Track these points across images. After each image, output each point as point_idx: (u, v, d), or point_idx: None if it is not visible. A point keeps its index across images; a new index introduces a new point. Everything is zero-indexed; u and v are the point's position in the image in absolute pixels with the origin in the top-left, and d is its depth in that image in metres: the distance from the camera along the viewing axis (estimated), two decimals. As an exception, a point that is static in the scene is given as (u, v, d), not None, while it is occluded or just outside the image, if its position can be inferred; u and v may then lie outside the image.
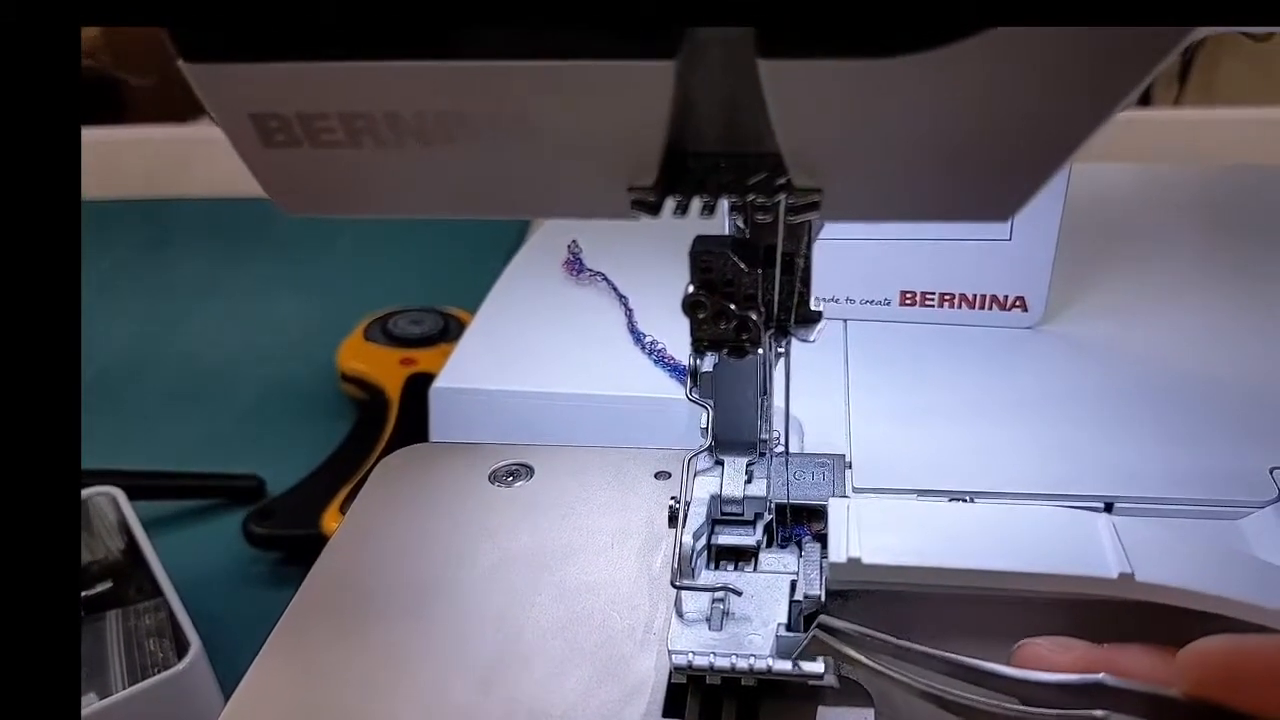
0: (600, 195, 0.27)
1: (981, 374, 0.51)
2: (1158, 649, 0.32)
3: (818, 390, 0.49)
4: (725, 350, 0.34)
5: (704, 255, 0.33)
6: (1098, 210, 0.66)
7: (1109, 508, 0.42)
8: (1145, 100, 1.10)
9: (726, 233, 0.33)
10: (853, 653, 0.32)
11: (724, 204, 0.29)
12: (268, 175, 0.27)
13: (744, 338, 0.34)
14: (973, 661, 0.31)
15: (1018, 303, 0.53)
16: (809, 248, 0.34)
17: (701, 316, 0.33)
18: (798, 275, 0.34)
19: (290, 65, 0.25)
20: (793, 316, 0.35)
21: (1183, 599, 0.34)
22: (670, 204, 0.27)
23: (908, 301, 0.54)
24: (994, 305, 0.54)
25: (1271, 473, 0.43)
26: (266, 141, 0.26)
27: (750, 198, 0.27)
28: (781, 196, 0.27)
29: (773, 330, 0.35)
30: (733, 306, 0.33)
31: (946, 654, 0.31)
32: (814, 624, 0.33)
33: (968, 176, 0.26)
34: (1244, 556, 0.38)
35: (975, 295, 0.54)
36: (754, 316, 0.33)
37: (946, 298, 0.54)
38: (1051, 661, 0.32)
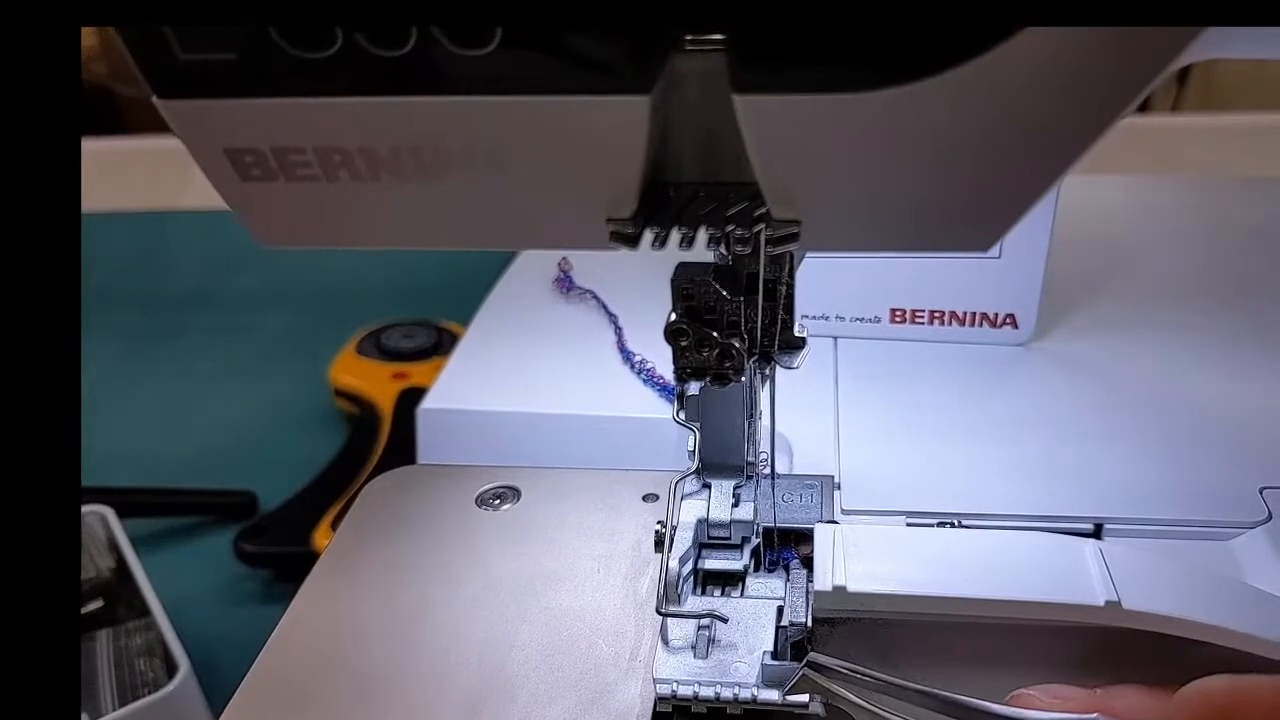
0: (579, 227, 0.27)
1: (971, 392, 0.51)
2: (1153, 689, 0.31)
3: (807, 408, 0.49)
4: (708, 378, 0.34)
5: (686, 283, 0.33)
6: (1089, 225, 0.66)
7: (1098, 529, 0.42)
8: (1143, 107, 1.10)
9: (710, 260, 0.33)
10: (842, 691, 0.32)
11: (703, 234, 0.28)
12: (244, 208, 0.27)
13: (727, 365, 0.33)
14: (967, 699, 0.31)
15: (1008, 320, 0.53)
16: (791, 275, 0.34)
17: (684, 344, 0.33)
18: (780, 302, 0.34)
19: (265, 101, 0.25)
20: (776, 343, 0.35)
21: (1170, 626, 0.34)
22: (649, 235, 0.27)
23: (898, 319, 0.54)
24: (984, 323, 0.53)
25: (1261, 493, 0.43)
26: (242, 176, 0.26)
27: (729, 228, 0.27)
28: (760, 227, 0.27)
29: (756, 357, 0.35)
30: (715, 334, 0.33)
31: (939, 691, 0.31)
32: (803, 661, 0.33)
33: (948, 208, 0.26)
34: (1232, 582, 0.38)
35: (965, 313, 0.53)
36: (736, 344, 0.33)
37: (936, 315, 0.54)
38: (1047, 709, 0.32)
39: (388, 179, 0.26)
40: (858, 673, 0.32)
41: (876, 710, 0.32)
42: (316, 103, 0.24)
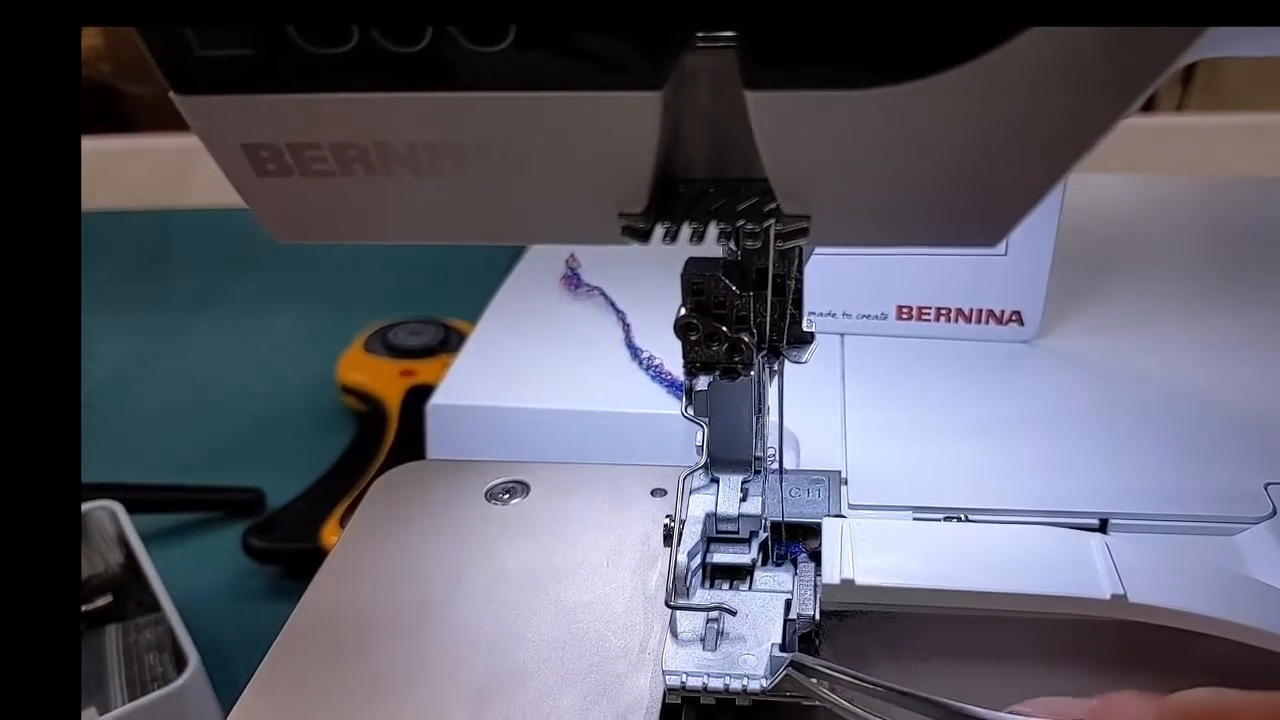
0: (590, 223, 0.27)
1: (977, 389, 0.51)
2: (1147, 695, 0.32)
3: (814, 405, 0.49)
4: (718, 372, 0.34)
5: (696, 278, 0.33)
6: (1095, 222, 0.66)
7: (1104, 524, 0.42)
8: (1148, 106, 1.10)
9: (719, 255, 0.33)
10: (825, 692, 0.32)
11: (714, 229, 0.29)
12: (260, 203, 0.28)
13: (736, 360, 0.34)
14: (948, 701, 0.31)
15: (1014, 317, 0.53)
16: (800, 270, 0.34)
17: (694, 338, 0.34)
18: (789, 297, 0.34)
19: (281, 97, 0.25)
20: (784, 338, 0.35)
21: (1175, 619, 0.34)
22: (660, 230, 0.27)
23: (904, 316, 0.54)
24: (990, 319, 0.54)
25: (1267, 488, 0.43)
26: (258, 171, 0.27)
27: (740, 223, 0.27)
28: (770, 222, 0.27)
29: (765, 352, 0.35)
30: (724, 329, 0.33)
31: (922, 693, 0.31)
32: (785, 663, 0.33)
33: (956, 203, 0.26)
34: (1237, 576, 0.38)
35: (971, 309, 0.54)
36: (746, 339, 0.33)
37: (943, 312, 0.54)
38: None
39: (402, 174, 0.26)
40: (842, 673, 0.32)
41: (859, 712, 0.32)
42: (332, 98, 0.25)
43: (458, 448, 0.52)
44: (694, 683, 0.35)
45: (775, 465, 0.41)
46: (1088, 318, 0.56)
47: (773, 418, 0.39)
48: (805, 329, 0.36)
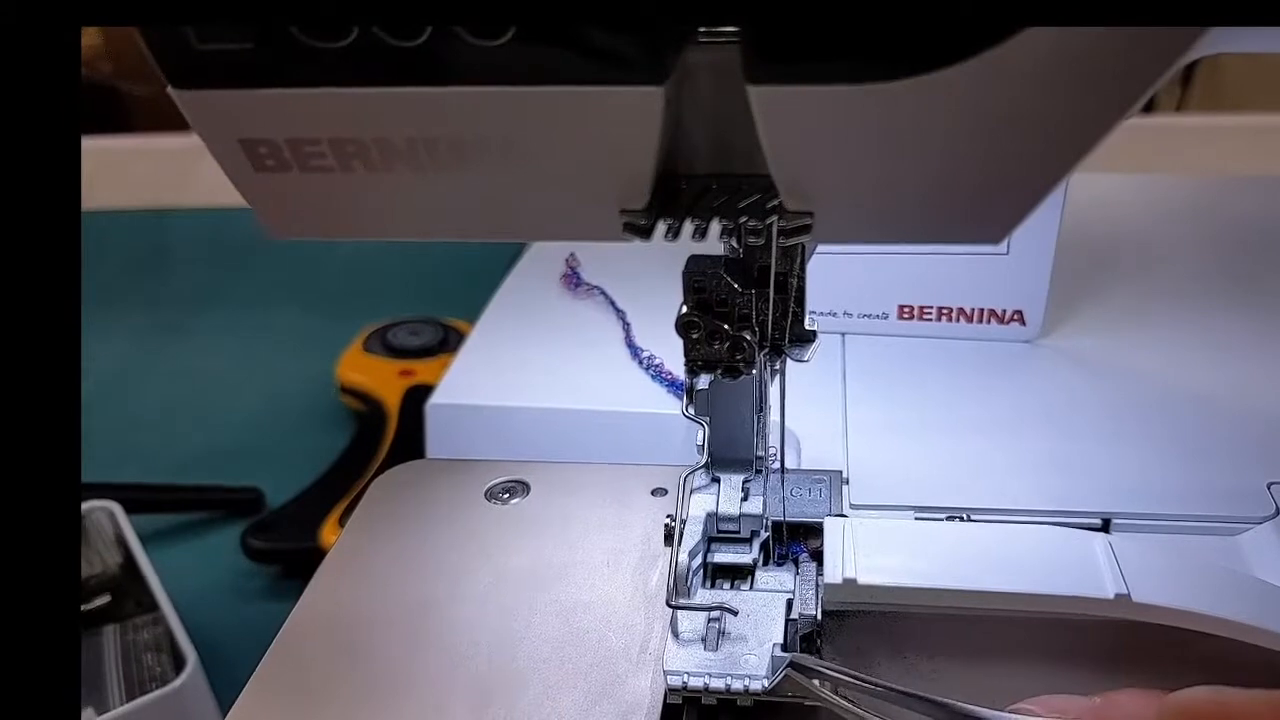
0: (592, 219, 0.27)
1: (979, 388, 0.51)
2: (1149, 693, 0.31)
3: (815, 404, 0.49)
4: (719, 371, 0.34)
5: (697, 276, 0.33)
6: (1097, 222, 0.66)
7: (1107, 524, 0.42)
8: (1149, 106, 1.10)
9: (720, 253, 0.33)
10: (824, 693, 0.32)
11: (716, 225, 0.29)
12: (258, 199, 0.28)
13: (738, 358, 0.34)
14: (954, 703, 0.31)
15: (1015, 316, 0.53)
16: (802, 268, 0.34)
17: (695, 337, 0.34)
18: (791, 295, 0.34)
19: (280, 92, 0.25)
20: (786, 336, 0.35)
21: (1179, 619, 0.34)
22: (661, 227, 0.27)
23: (905, 315, 0.54)
24: (992, 319, 0.53)
25: (1269, 488, 0.43)
26: (257, 166, 0.26)
27: (742, 220, 0.27)
28: (773, 219, 0.27)
29: (767, 350, 0.35)
30: (726, 327, 0.33)
31: (923, 693, 0.31)
32: (785, 664, 0.33)
33: (960, 200, 0.26)
34: (1240, 576, 0.38)
35: (973, 309, 0.53)
36: (748, 336, 0.33)
37: (944, 311, 0.54)
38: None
39: (401, 170, 0.26)
40: (842, 674, 0.32)
41: (859, 712, 0.32)
42: (332, 93, 0.24)
43: (457, 447, 0.52)
44: (695, 683, 0.34)
45: (776, 465, 0.41)
46: (1089, 317, 0.56)
47: (774, 417, 0.39)
48: (807, 327, 0.36)
